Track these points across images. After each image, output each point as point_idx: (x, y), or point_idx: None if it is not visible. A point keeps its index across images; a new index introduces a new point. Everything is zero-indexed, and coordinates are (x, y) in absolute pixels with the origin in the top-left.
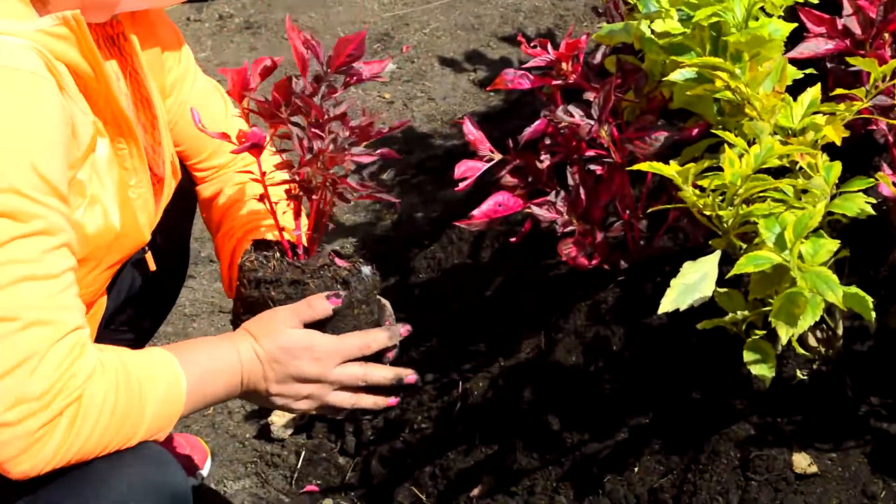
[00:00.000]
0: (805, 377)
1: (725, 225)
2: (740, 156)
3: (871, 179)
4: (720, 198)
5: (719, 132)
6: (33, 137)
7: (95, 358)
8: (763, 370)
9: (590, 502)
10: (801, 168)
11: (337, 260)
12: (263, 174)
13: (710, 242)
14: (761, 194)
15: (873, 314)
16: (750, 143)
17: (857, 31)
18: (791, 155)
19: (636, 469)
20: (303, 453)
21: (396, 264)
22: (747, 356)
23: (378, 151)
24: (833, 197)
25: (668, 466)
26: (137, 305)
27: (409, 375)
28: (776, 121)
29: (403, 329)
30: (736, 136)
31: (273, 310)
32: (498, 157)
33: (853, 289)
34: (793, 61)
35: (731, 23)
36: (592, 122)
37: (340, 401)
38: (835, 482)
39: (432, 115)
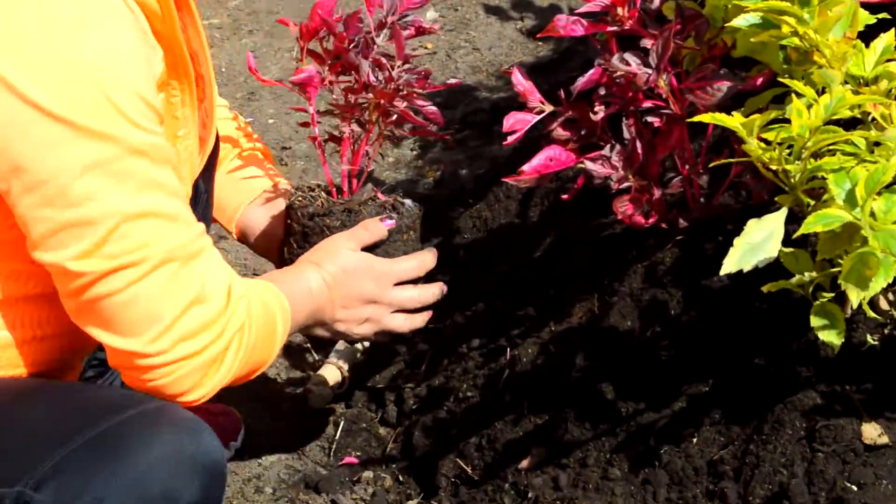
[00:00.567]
0: (876, 342)
1: (792, 180)
2: (808, 106)
3: None
4: (787, 151)
5: (786, 80)
6: (136, 65)
7: (241, 283)
8: (831, 335)
9: (645, 475)
10: (873, 119)
11: (380, 195)
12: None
13: (775, 199)
14: (831, 147)
15: None
16: (819, 93)
17: None
18: (863, 105)
19: (695, 440)
20: (342, 423)
21: (440, 223)
22: (814, 321)
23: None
24: None
25: (729, 437)
26: None
27: (443, 286)
28: (847, 69)
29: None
30: (804, 85)
31: (332, 237)
32: (549, 108)
33: None
34: (864, 5)
35: None
36: (650, 71)
37: (398, 324)
38: None
39: (477, 67)
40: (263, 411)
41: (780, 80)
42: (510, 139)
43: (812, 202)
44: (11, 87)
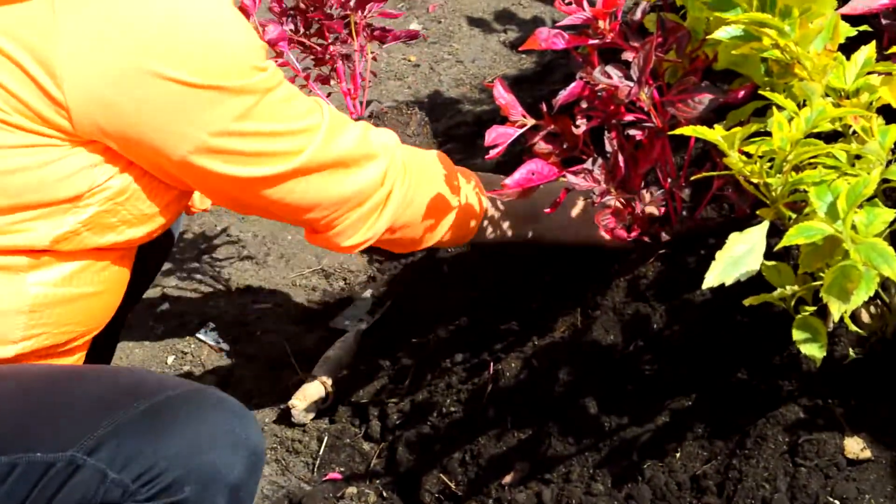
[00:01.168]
0: (858, 356)
1: (774, 193)
2: (790, 119)
3: None
4: (768, 164)
5: (767, 94)
6: (244, 26)
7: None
8: (813, 349)
9: (629, 490)
10: (854, 132)
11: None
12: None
13: (757, 212)
14: (812, 160)
15: None
16: (800, 106)
17: None
18: (844, 118)
19: (678, 455)
20: (325, 439)
21: None
22: (796, 334)
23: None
24: (889, 163)
25: (712, 452)
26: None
27: None
28: (828, 82)
29: None
30: (785, 97)
31: None
32: (531, 122)
33: None
34: (845, 18)
35: None
36: (632, 85)
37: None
38: (889, 468)
39: (460, 79)
40: None
41: (762, 92)
42: (492, 153)
43: (794, 215)
44: (159, 74)
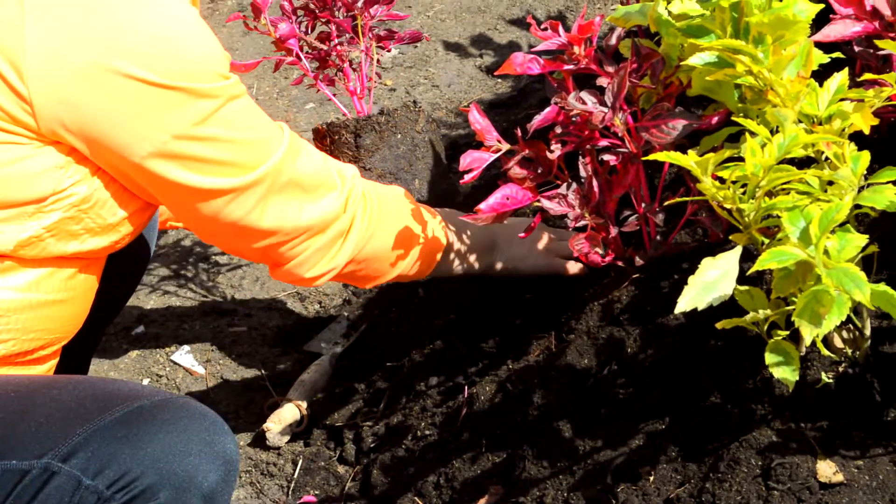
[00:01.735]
0: (830, 380)
1: (747, 219)
2: (762, 145)
3: None
4: (741, 190)
5: (740, 120)
6: (207, 33)
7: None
8: (786, 373)
9: None
10: (826, 158)
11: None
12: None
13: (730, 237)
14: (785, 186)
15: None
16: (773, 132)
17: (887, 12)
18: (816, 144)
19: (651, 478)
20: (300, 462)
21: None
22: (769, 358)
23: (408, 32)
24: (861, 189)
25: (686, 475)
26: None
27: None
28: (801, 108)
29: None
30: (758, 124)
31: None
32: (506, 147)
33: (882, 286)
34: (818, 45)
35: (753, 3)
36: (606, 110)
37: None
38: (861, 491)
39: (436, 103)
40: None
41: (735, 118)
42: (467, 178)
43: (766, 240)
44: (122, 73)
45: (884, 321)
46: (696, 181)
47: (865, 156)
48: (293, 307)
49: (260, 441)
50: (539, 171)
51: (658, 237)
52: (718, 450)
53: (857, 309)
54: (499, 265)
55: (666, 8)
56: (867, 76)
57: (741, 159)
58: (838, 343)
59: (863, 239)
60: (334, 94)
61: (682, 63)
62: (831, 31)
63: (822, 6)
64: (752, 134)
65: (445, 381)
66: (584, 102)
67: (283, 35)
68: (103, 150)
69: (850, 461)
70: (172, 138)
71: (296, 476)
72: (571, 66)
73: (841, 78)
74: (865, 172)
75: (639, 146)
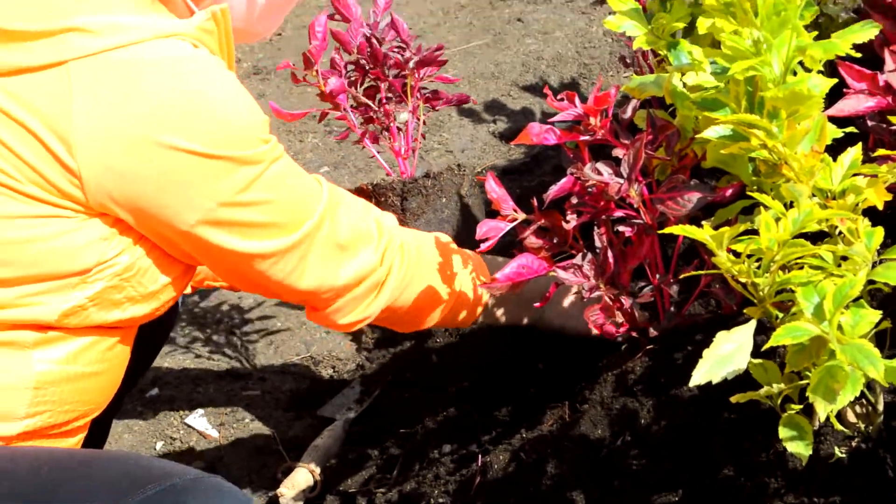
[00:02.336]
0: (843, 455)
1: (761, 293)
2: (777, 219)
3: None
4: (756, 264)
5: (755, 195)
6: (250, 102)
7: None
8: (799, 447)
9: None
10: (840, 233)
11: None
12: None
13: (744, 311)
14: (799, 261)
15: None
16: (787, 206)
17: None
18: (830, 219)
19: None
20: None
21: None
22: (783, 432)
23: (455, 95)
24: (874, 264)
25: None
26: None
27: None
28: (815, 182)
29: None
30: (772, 197)
31: None
32: (521, 216)
33: (895, 362)
34: (832, 119)
35: (768, 78)
36: (622, 181)
37: None
38: None
39: (450, 169)
40: None
41: (750, 192)
42: (483, 247)
43: (780, 314)
44: (169, 145)
45: None
46: (711, 254)
47: (879, 232)
48: (307, 371)
49: None
50: (555, 241)
51: (672, 308)
52: None
53: (870, 384)
54: (547, 320)
55: (681, 79)
56: (881, 152)
57: (755, 232)
58: (851, 418)
59: (876, 315)
60: (378, 152)
61: (696, 136)
62: (845, 106)
63: (835, 81)
64: (766, 207)
65: (459, 449)
66: (599, 173)
67: (333, 90)
68: (150, 220)
69: None
70: (219, 206)
71: None
72: (587, 137)
73: (854, 153)
74: (879, 248)
75: (654, 217)
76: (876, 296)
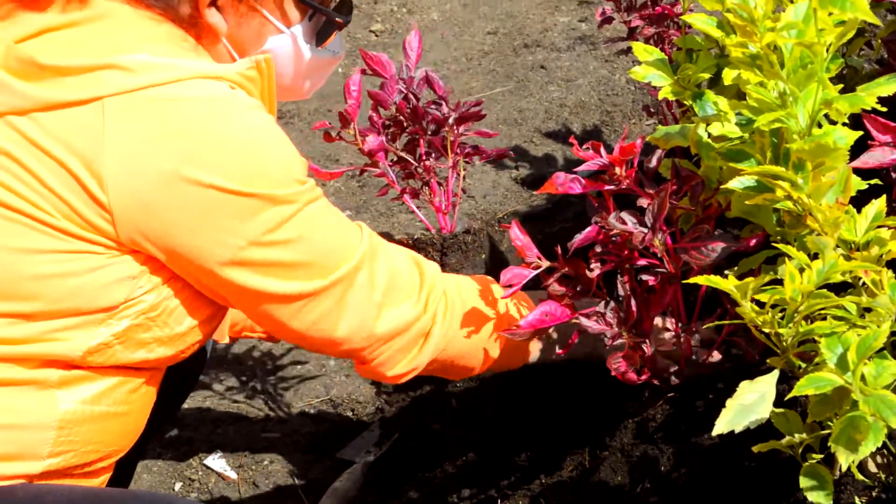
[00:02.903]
0: None
1: (784, 343)
2: (801, 270)
3: None
4: (779, 314)
5: (780, 246)
6: (285, 140)
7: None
8: (820, 497)
9: None
10: (864, 284)
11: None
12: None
13: (767, 361)
14: (822, 311)
15: None
16: (811, 257)
17: None
18: (854, 270)
19: None
20: None
21: None
22: (804, 482)
23: (495, 150)
24: None
25: None
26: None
27: None
28: (839, 234)
29: None
30: (797, 248)
31: None
32: (546, 264)
33: None
34: (857, 171)
35: (793, 130)
36: (646, 231)
37: None
38: None
39: (472, 214)
40: None
41: (774, 243)
42: (507, 293)
43: (803, 364)
44: (200, 181)
45: None
46: (735, 304)
47: None
48: (326, 414)
49: None
50: (578, 289)
51: (694, 356)
52: None
53: (892, 434)
54: (582, 353)
55: (706, 130)
56: None
57: (779, 281)
58: (872, 468)
59: None
60: (418, 208)
61: (721, 186)
62: (870, 158)
63: (860, 133)
64: (791, 258)
65: (478, 494)
66: (624, 223)
67: (372, 149)
68: (180, 258)
69: None
70: (249, 244)
71: None
72: (612, 187)
73: (879, 205)
74: None
75: (677, 267)
76: None
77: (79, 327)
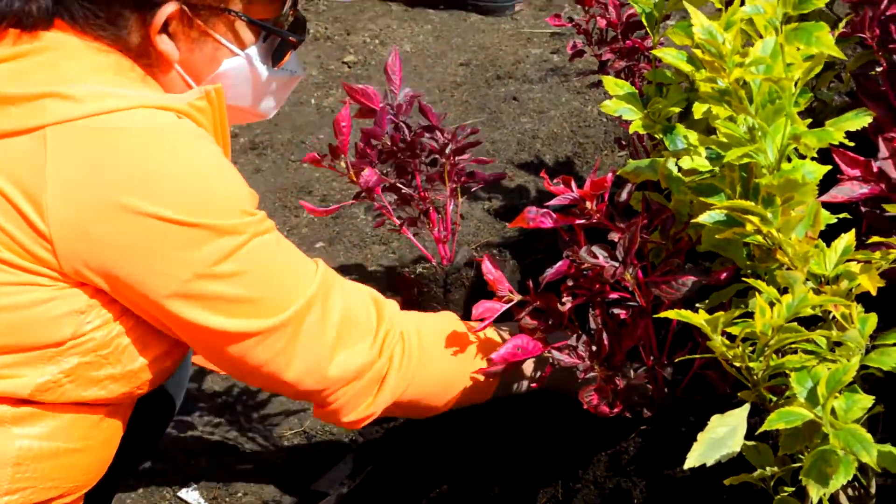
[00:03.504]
0: None
1: (755, 377)
2: (771, 304)
3: None
4: (750, 348)
5: (750, 281)
6: (233, 173)
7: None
8: None
9: None
10: (834, 318)
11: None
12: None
13: (738, 394)
14: (793, 345)
15: None
16: (781, 291)
17: (894, 174)
18: (824, 304)
19: None
20: None
21: None
22: None
23: (491, 175)
24: (868, 350)
25: None
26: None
27: None
28: (809, 268)
29: None
30: (767, 282)
31: None
32: (517, 297)
33: (888, 447)
34: (826, 205)
35: (762, 164)
36: (617, 265)
37: None
38: None
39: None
40: None
41: (745, 278)
42: (479, 327)
43: (774, 398)
44: (141, 210)
45: (888, 479)
46: (706, 337)
47: (873, 318)
48: (300, 446)
49: None
50: (550, 323)
51: (666, 390)
52: None
53: (862, 468)
54: (551, 384)
55: (676, 164)
56: (874, 238)
57: (749, 315)
58: (844, 501)
59: (869, 400)
60: (415, 234)
61: (691, 220)
62: (839, 193)
63: (829, 167)
64: (761, 292)
65: None
66: (595, 256)
67: (369, 184)
68: (125, 289)
69: None
70: (194, 276)
71: None
72: (583, 221)
73: (848, 239)
74: (872, 333)
75: (649, 300)
76: (869, 380)
77: (26, 364)
